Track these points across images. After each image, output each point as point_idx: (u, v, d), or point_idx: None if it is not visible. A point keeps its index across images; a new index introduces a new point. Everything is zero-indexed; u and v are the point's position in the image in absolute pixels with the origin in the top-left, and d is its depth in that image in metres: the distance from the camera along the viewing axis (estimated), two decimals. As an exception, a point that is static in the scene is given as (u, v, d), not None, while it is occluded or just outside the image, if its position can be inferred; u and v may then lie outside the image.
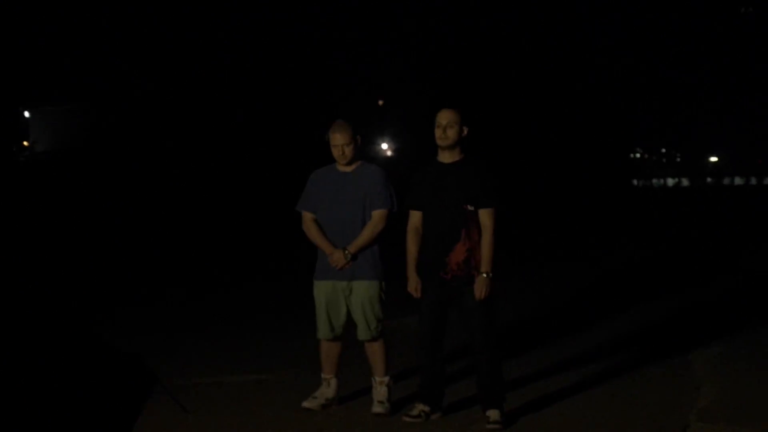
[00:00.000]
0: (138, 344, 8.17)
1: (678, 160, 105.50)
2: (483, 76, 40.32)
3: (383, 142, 46.28)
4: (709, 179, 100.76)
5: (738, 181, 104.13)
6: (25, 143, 36.23)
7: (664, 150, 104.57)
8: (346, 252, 6.42)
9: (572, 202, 34.16)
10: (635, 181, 77.25)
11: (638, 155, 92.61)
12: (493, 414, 6.16)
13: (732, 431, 5.98)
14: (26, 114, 38.08)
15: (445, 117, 6.28)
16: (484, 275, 6.08)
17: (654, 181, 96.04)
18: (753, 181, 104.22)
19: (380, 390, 6.56)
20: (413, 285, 6.30)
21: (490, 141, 26.29)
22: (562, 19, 44.93)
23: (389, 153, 46.25)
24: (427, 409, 6.34)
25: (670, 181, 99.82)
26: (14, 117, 35.62)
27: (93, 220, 21.60)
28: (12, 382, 5.59)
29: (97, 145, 31.63)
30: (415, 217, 6.36)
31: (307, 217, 6.62)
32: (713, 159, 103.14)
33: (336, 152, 6.51)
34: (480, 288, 6.06)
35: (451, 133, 6.27)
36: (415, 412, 6.32)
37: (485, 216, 6.16)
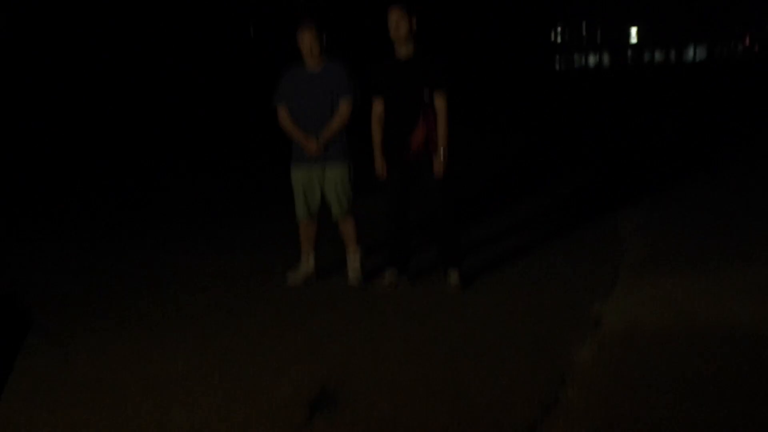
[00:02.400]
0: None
1: (599, 37, 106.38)
2: None
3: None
4: (629, 53, 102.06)
5: (658, 56, 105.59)
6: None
7: (584, 23, 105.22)
8: (319, 140, 7.25)
9: (499, 86, 35.12)
10: (557, 65, 78.11)
11: (559, 34, 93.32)
12: (453, 276, 7.13)
13: (654, 279, 7.00)
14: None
15: (394, 13, 7.02)
16: (442, 150, 6.94)
17: (575, 57, 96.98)
18: (673, 55, 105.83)
19: (354, 259, 7.49)
20: (380, 167, 7.16)
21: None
22: None
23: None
24: (395, 274, 7.29)
25: (592, 60, 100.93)
26: None
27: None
28: None
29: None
30: (378, 106, 7.17)
31: (282, 110, 7.40)
32: (633, 30, 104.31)
33: (304, 50, 7.26)
34: (438, 165, 6.95)
35: (403, 27, 7.03)
36: (385, 281, 7.26)
37: (439, 99, 6.98)
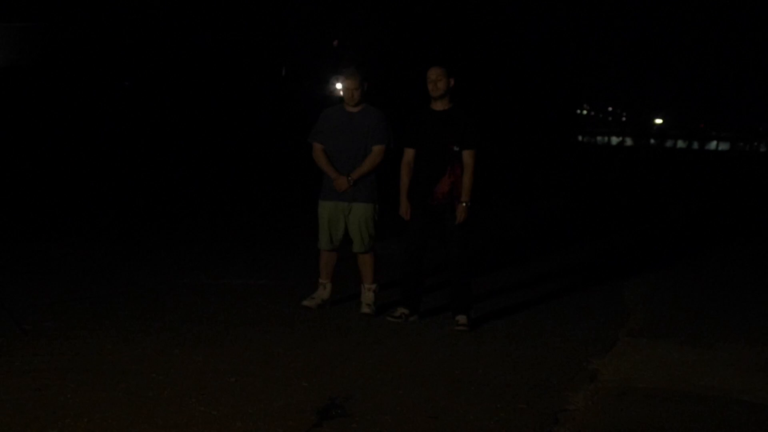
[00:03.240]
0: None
1: (624, 119, 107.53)
2: (438, 23, 40.99)
3: (337, 82, 47.15)
4: (652, 140, 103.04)
5: (681, 144, 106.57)
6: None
7: (610, 108, 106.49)
8: (349, 178, 7.69)
9: (525, 153, 35.71)
10: (580, 137, 78.97)
11: (585, 112, 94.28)
12: (461, 318, 7.53)
13: (652, 344, 7.37)
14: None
15: (434, 72, 7.54)
16: (464, 204, 7.40)
17: (598, 138, 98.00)
18: (695, 145, 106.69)
19: (368, 294, 7.89)
20: (404, 209, 7.59)
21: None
22: None
23: (342, 93, 47.12)
24: (406, 311, 7.68)
25: (614, 140, 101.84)
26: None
27: (48, 138, 22.14)
28: None
29: (53, 64, 31.42)
30: (408, 154, 7.63)
31: (317, 147, 7.86)
32: (658, 121, 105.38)
33: (346, 95, 7.75)
34: (460, 214, 7.38)
35: (441, 85, 7.53)
36: (396, 314, 7.66)
37: (467, 156, 7.46)
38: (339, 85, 47.43)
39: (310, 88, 42.77)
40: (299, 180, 14.59)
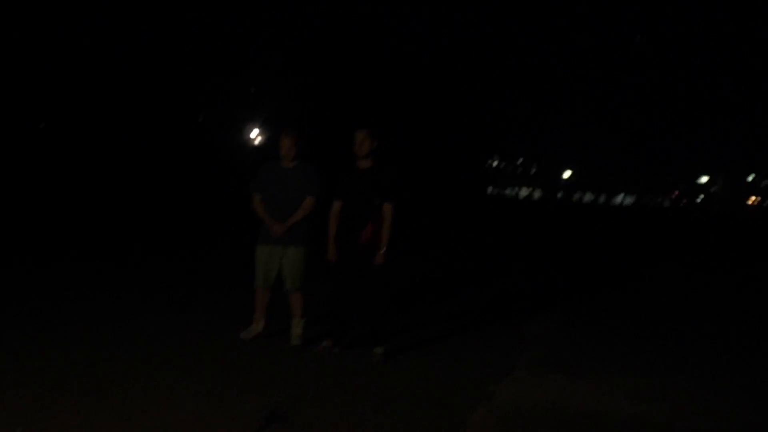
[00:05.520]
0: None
1: (533, 171, 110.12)
2: (348, 70, 41.91)
3: (254, 129, 47.94)
4: (560, 194, 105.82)
5: (588, 197, 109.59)
6: None
7: (521, 160, 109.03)
8: (284, 225, 8.79)
9: (435, 204, 37.10)
10: (490, 189, 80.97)
11: (495, 163, 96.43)
12: (378, 350, 8.65)
13: (544, 373, 8.56)
14: None
15: (360, 134, 8.72)
16: (383, 250, 8.55)
17: (507, 190, 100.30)
18: (602, 198, 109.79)
19: (297, 328, 8.98)
20: (332, 253, 8.72)
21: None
22: (423, 21, 47.02)
23: (257, 142, 48.00)
24: (330, 343, 8.77)
25: (523, 192, 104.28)
26: None
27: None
28: None
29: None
30: (336, 206, 8.78)
31: (256, 198, 8.97)
32: (567, 173, 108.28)
33: (284, 152, 8.86)
34: (379, 258, 8.52)
35: (366, 146, 8.70)
36: (322, 345, 8.74)
37: (387, 209, 8.62)
38: (255, 132, 48.29)
39: (227, 135, 43.67)
40: (223, 224, 15.68)
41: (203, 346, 8.59)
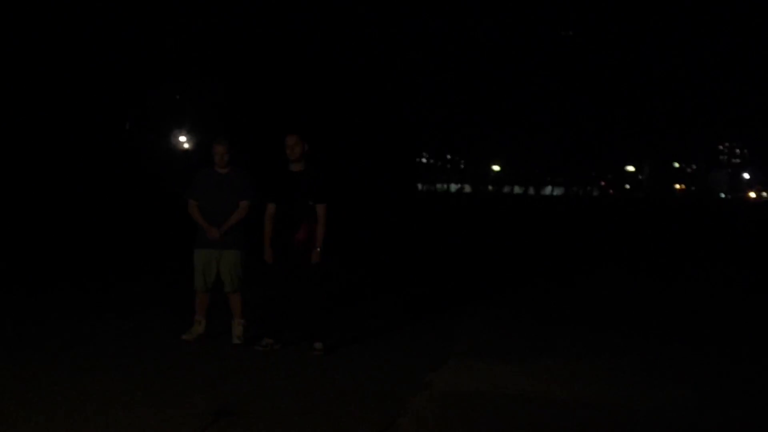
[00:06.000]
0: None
1: (462, 167, 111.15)
2: (272, 75, 41.90)
3: (181, 135, 47.98)
4: (490, 187, 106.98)
5: (517, 189, 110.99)
6: None
7: (449, 156, 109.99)
8: (220, 229, 9.06)
9: (366, 202, 37.43)
10: (420, 186, 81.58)
11: (424, 160, 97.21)
12: (318, 345, 8.95)
13: (477, 361, 8.92)
14: None
15: (291, 139, 9.02)
16: (318, 249, 8.86)
17: (438, 186, 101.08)
18: (531, 190, 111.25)
19: (238, 328, 9.25)
20: (268, 254, 9.00)
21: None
22: (357, 23, 47.26)
23: (186, 146, 48.06)
24: (271, 341, 9.05)
25: (453, 187, 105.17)
26: None
27: None
28: None
29: None
30: (270, 209, 9.06)
31: (192, 203, 9.21)
32: (496, 168, 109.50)
33: (217, 158, 9.13)
34: (315, 257, 8.84)
35: (297, 150, 9.00)
36: (263, 343, 9.01)
37: (320, 209, 8.94)
38: (182, 138, 48.31)
39: (154, 141, 43.60)
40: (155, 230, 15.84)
41: (145, 349, 8.82)
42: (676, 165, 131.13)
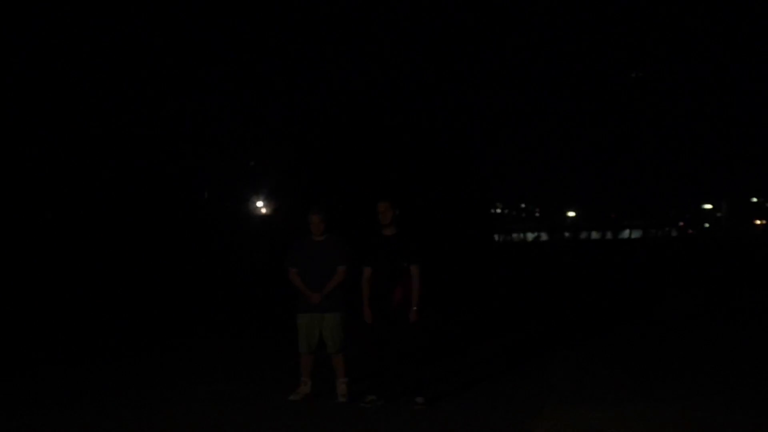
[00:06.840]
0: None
1: (537, 214, 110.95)
2: (346, 138, 42.41)
3: (258, 200, 48.80)
4: (566, 233, 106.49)
5: (595, 235, 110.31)
6: None
7: (523, 205, 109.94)
8: (321, 294, 9.60)
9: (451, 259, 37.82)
10: (496, 236, 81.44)
11: (498, 210, 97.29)
12: (419, 399, 9.39)
13: (574, 407, 9.24)
14: None
15: (382, 205, 9.57)
16: (415, 308, 9.35)
17: (514, 235, 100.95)
18: (609, 235, 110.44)
19: (342, 387, 9.73)
20: (368, 314, 9.51)
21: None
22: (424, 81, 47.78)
23: (264, 211, 48.83)
24: (374, 397, 9.51)
25: (530, 236, 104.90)
26: None
27: None
28: None
29: None
30: (367, 272, 9.59)
31: (293, 271, 9.77)
32: (571, 214, 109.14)
33: (313, 227, 9.69)
34: (412, 316, 9.32)
35: (388, 216, 9.54)
36: (367, 400, 9.48)
37: (414, 270, 9.44)
38: (259, 204, 49.15)
39: (232, 208, 44.43)
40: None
41: (255, 411, 9.31)
42: (755, 200, 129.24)
